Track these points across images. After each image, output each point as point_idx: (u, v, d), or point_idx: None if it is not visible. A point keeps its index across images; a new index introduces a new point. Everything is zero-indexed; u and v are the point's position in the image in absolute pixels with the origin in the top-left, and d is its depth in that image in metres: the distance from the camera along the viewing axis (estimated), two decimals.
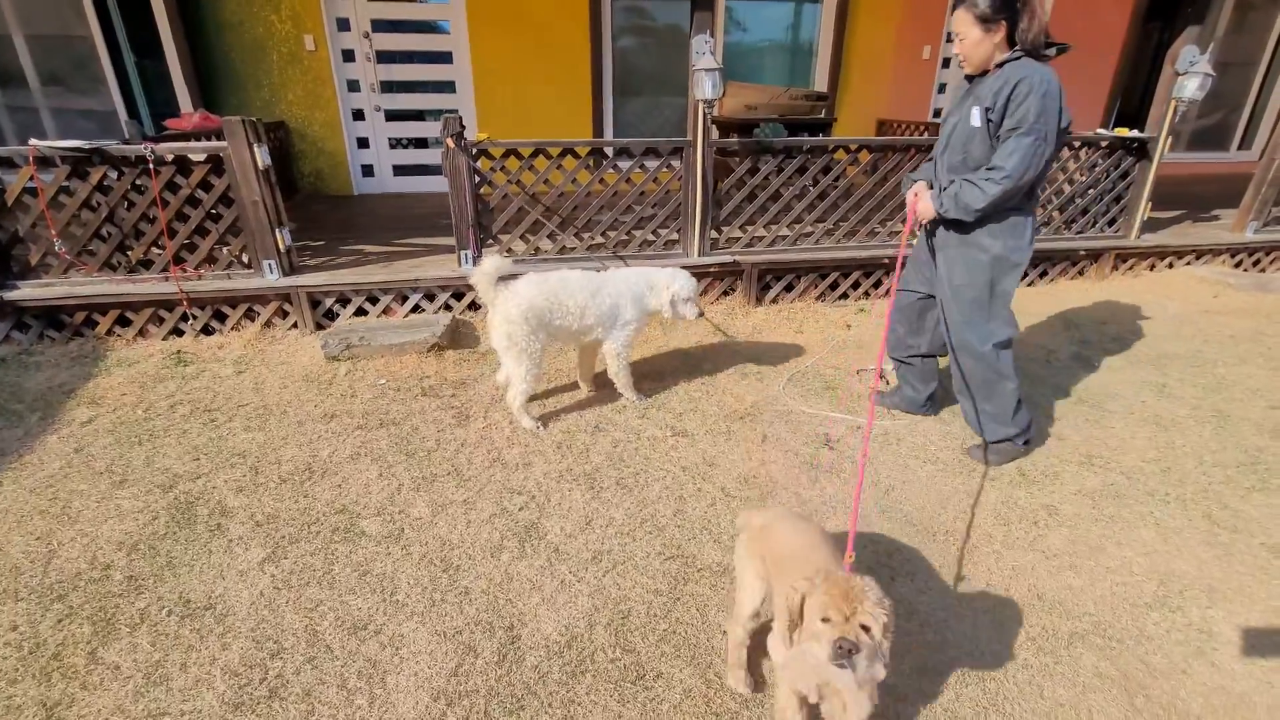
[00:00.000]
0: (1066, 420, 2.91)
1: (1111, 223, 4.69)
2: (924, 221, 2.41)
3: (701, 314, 2.95)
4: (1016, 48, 2.12)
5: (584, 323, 2.72)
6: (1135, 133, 4.43)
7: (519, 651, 1.76)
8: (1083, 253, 4.62)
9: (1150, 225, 4.78)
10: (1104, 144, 4.44)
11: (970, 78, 2.26)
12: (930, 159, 2.52)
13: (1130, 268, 4.76)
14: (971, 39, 2.13)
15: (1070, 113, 2.16)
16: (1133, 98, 8.01)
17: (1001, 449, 2.57)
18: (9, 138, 5.67)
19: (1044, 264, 4.62)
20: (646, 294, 2.83)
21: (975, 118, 2.17)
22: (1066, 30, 7.14)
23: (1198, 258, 4.86)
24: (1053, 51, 2.15)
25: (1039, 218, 4.08)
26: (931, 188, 2.39)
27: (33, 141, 3.18)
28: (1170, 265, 4.83)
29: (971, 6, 2.09)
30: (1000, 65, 2.14)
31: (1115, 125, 7.42)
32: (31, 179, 3.22)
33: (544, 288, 2.65)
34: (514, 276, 2.68)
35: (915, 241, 2.68)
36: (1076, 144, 4.45)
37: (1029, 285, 4.62)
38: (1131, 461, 2.62)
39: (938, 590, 1.97)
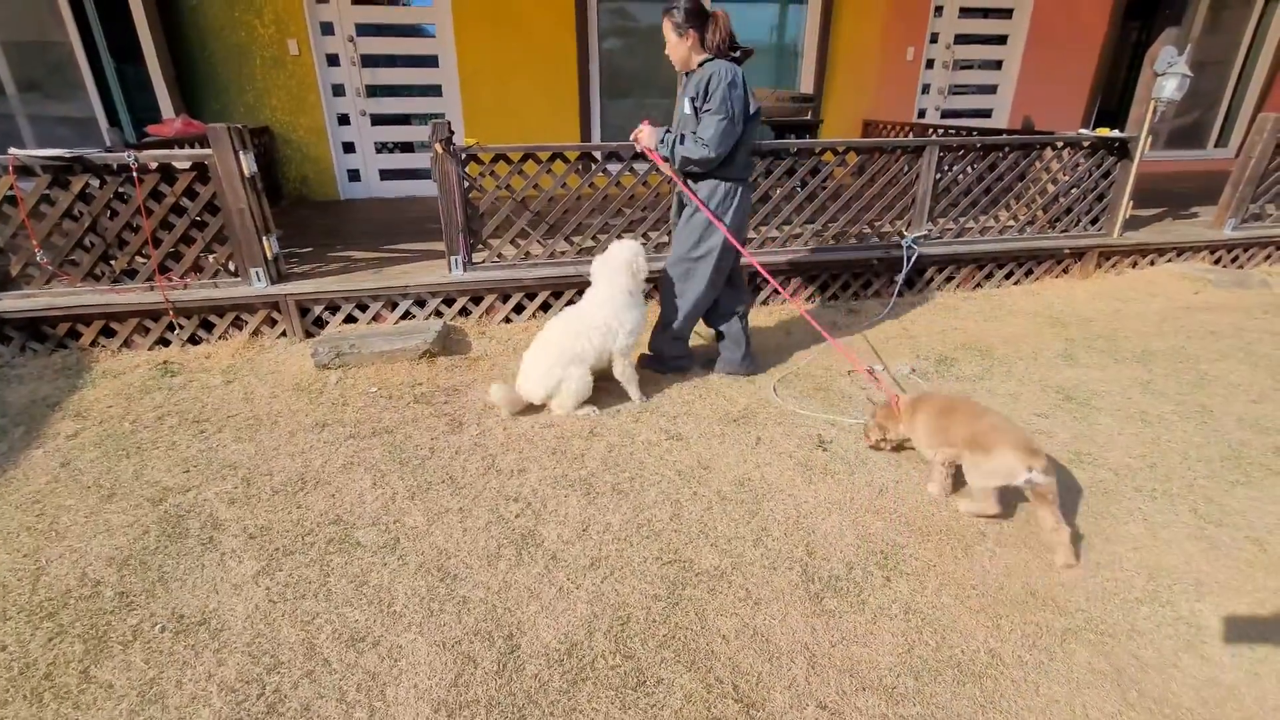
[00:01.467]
0: (1055, 418, 2.95)
1: (1094, 221, 4.76)
2: (642, 148, 2.95)
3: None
4: (710, 53, 2.67)
5: (592, 346, 2.87)
6: (1116, 132, 4.51)
7: (519, 660, 1.76)
8: (1067, 251, 4.69)
9: (1132, 223, 4.86)
10: (1086, 144, 4.51)
11: (685, 76, 2.81)
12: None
13: (1113, 265, 4.84)
14: (671, 42, 2.70)
15: (758, 102, 2.77)
16: (1112, 95, 8.14)
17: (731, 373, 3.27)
18: None
19: (1029, 262, 4.68)
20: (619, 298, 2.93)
21: (686, 106, 2.74)
22: (1048, 31, 7.33)
23: (1179, 255, 4.95)
24: (738, 54, 2.71)
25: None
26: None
27: (12, 150, 3.13)
28: (1152, 263, 4.91)
29: (670, 17, 2.64)
30: (701, 64, 2.70)
31: (1096, 124, 7.56)
32: (11, 188, 3.17)
33: (548, 342, 2.86)
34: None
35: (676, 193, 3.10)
36: (1059, 144, 4.51)
37: (1015, 284, 4.68)
38: (1118, 458, 2.66)
39: (934, 589, 1.99)
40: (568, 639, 1.82)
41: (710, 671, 1.72)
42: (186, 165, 3.31)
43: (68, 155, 3.18)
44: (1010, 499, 2.31)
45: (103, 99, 5.62)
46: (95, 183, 3.28)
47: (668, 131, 2.85)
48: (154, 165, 3.27)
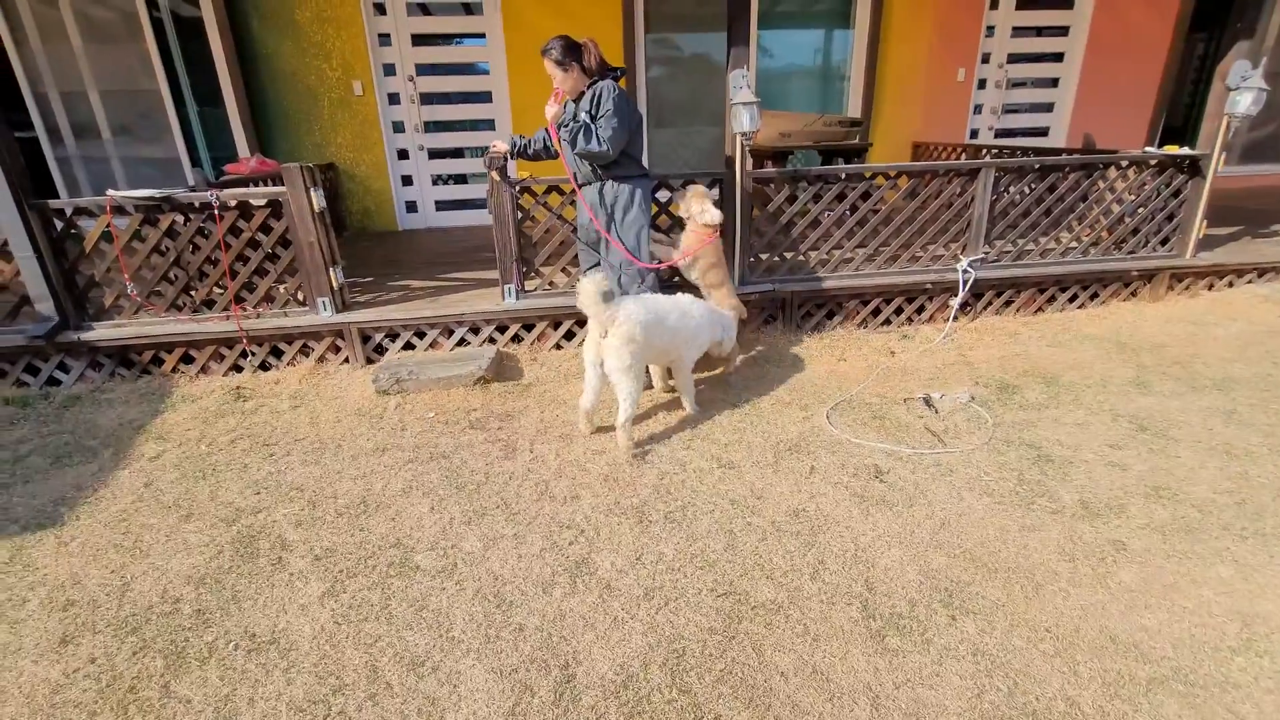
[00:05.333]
0: (1129, 449, 2.80)
1: (1164, 242, 4.55)
2: (549, 119, 3.24)
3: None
4: (593, 76, 3.07)
5: (674, 340, 3.01)
6: (1185, 150, 4.32)
7: (575, 691, 1.76)
8: (1135, 273, 4.48)
9: (1206, 243, 4.62)
10: (1152, 162, 4.33)
11: (575, 100, 3.15)
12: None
13: (1187, 288, 4.60)
14: (559, 78, 3.06)
15: (640, 113, 3.26)
16: (1178, 110, 7.82)
17: None
18: (83, 186, 6.06)
19: (1094, 285, 4.49)
20: (718, 324, 3.29)
21: (584, 118, 3.07)
22: (1108, 46, 7.11)
23: (1260, 275, 4.67)
24: (618, 72, 3.14)
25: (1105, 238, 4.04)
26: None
27: (110, 192, 3.39)
28: (1230, 284, 4.65)
29: (549, 56, 3.01)
30: (589, 87, 3.07)
31: (1162, 140, 7.27)
32: (108, 226, 3.43)
33: (648, 307, 2.86)
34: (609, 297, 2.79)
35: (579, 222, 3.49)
36: (1124, 163, 4.35)
37: (1079, 308, 4.50)
38: (1202, 493, 2.50)
39: (1003, 630, 1.91)
40: (623, 670, 1.81)
41: (769, 710, 1.69)
42: (263, 202, 3.52)
43: (158, 195, 3.43)
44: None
45: (185, 140, 6.05)
46: (181, 219, 3.52)
47: (574, 119, 3.09)
48: (233, 203, 3.49)
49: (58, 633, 2.00)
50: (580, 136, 3.02)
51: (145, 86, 5.85)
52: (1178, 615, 1.95)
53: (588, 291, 2.65)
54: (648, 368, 3.28)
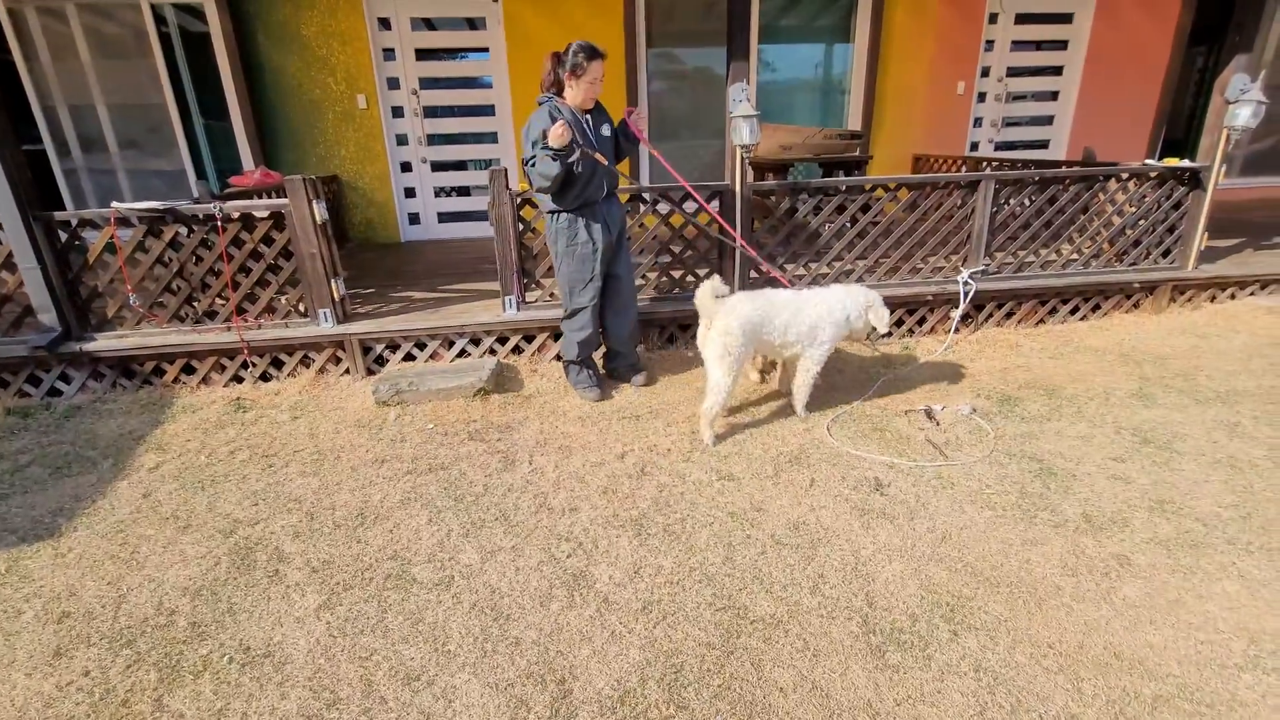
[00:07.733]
0: (1132, 462, 2.78)
1: (1166, 254, 4.54)
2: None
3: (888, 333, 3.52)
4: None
5: (785, 338, 3.04)
6: (1186, 162, 4.32)
7: (571, 706, 1.74)
8: (1137, 285, 4.48)
9: (1208, 255, 4.62)
10: (1153, 175, 4.34)
11: (588, 112, 3.17)
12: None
13: (1189, 299, 4.59)
14: (602, 82, 3.07)
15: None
16: (1178, 122, 7.84)
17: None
18: (89, 198, 6.11)
19: (1096, 297, 4.48)
20: (850, 315, 3.15)
21: (607, 130, 3.22)
22: (1107, 61, 7.13)
23: (1262, 288, 4.65)
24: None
25: (1091, 250, 4.06)
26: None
27: (114, 204, 3.42)
28: (1232, 296, 4.63)
29: (601, 57, 3.02)
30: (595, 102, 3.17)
31: (1162, 153, 7.28)
32: (112, 238, 3.45)
33: (757, 303, 2.96)
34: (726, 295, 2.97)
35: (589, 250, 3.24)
36: (1124, 176, 4.36)
37: (1081, 320, 4.48)
38: (1207, 507, 2.48)
39: (1005, 646, 1.88)
40: (620, 685, 1.79)
41: None
42: (265, 214, 3.54)
43: (161, 207, 3.45)
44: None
45: (191, 154, 6.11)
46: (184, 231, 3.55)
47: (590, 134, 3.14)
48: (236, 215, 3.52)
49: (52, 645, 1.99)
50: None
51: (152, 100, 5.92)
52: (1183, 631, 1.92)
53: (705, 290, 2.88)
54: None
